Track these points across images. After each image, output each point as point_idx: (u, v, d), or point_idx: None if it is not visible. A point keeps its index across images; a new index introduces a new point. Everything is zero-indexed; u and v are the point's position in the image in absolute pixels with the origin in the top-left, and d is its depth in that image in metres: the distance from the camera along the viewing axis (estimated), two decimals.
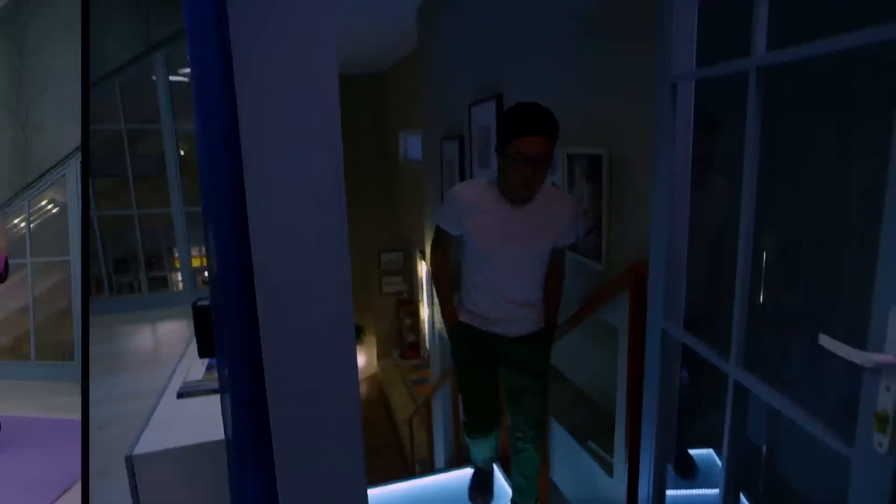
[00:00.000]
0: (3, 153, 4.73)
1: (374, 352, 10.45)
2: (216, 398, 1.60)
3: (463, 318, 2.25)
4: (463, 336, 2.27)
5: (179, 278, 7.10)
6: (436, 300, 5.53)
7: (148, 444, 1.63)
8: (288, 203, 1.03)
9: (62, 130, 4.66)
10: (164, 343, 4.59)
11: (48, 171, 4.70)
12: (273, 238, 1.04)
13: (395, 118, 8.93)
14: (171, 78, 5.12)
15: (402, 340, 10.20)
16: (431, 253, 2.33)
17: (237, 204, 1.03)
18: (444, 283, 2.30)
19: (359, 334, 9.76)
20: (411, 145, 7.88)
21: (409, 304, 9.97)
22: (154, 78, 5.07)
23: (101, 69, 4.77)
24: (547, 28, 2.87)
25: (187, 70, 5.26)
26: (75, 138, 4.58)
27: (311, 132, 1.03)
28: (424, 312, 8.67)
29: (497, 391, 2.37)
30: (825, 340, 1.07)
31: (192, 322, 2.06)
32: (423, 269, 8.12)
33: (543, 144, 1.87)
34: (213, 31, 1.02)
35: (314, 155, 1.04)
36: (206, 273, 7.04)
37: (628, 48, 2.20)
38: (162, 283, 8.44)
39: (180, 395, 1.94)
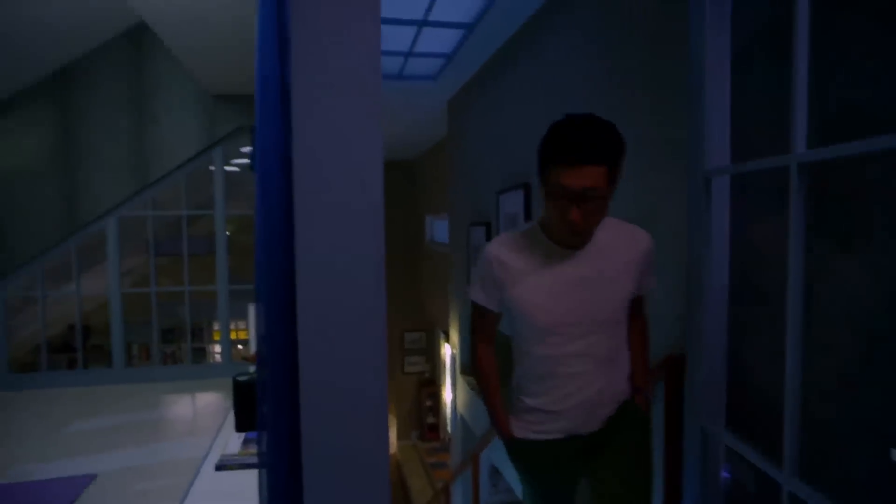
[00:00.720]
0: (52, 205, 5.04)
1: (394, 431, 10.08)
2: (252, 473, 1.62)
3: (520, 430, 1.56)
4: (525, 456, 1.59)
5: (216, 350, 7.14)
6: (461, 384, 5.35)
7: None
8: (334, 290, 1.10)
9: (105, 188, 5.05)
10: (202, 414, 4.67)
11: (91, 222, 5.00)
12: (318, 321, 1.09)
13: (422, 202, 9.07)
14: (226, 168, 5.48)
15: (422, 422, 9.85)
16: (472, 342, 1.66)
17: (287, 288, 1.10)
18: (492, 382, 1.62)
19: None
20: (437, 228, 7.94)
21: (431, 384, 9.70)
22: (212, 168, 5.41)
23: (172, 162, 5.20)
24: None
25: (238, 161, 5.58)
26: (117, 195, 4.99)
27: (358, 225, 1.11)
28: (446, 395, 8.40)
29: None
30: None
31: (229, 395, 2.07)
32: (446, 350, 7.95)
33: (592, 176, 1.29)
34: (278, 131, 1.14)
35: (360, 247, 1.11)
36: (240, 346, 7.08)
37: (661, 140, 2.17)
38: (200, 353, 8.50)
39: (219, 468, 1.93)
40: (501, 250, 1.49)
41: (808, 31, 1.23)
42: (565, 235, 1.40)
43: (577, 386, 1.46)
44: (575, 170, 1.29)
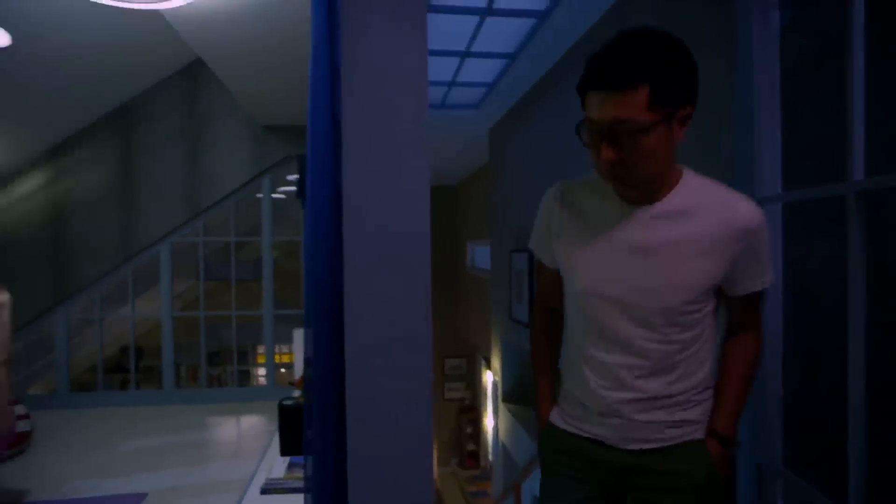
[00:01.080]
0: (111, 232, 5.31)
1: (434, 458, 9.99)
2: (297, 498, 1.59)
3: (554, 414, 1.26)
4: (549, 444, 1.26)
5: (260, 373, 7.19)
6: (502, 412, 5.27)
7: None
8: (381, 315, 1.12)
9: (160, 216, 5.30)
10: (246, 436, 4.76)
11: (146, 247, 5.21)
12: (366, 346, 1.12)
13: (463, 228, 9.10)
14: (273, 195, 5.64)
15: (462, 449, 9.73)
16: (534, 307, 1.36)
17: (336, 314, 1.12)
18: (539, 358, 1.31)
19: None
20: (478, 254, 7.95)
21: (471, 411, 9.60)
22: (259, 195, 5.58)
23: (223, 191, 5.40)
24: None
25: (285, 188, 5.74)
26: (170, 222, 5.27)
27: (406, 252, 1.13)
28: (488, 422, 8.30)
29: None
30: None
31: (273, 418, 2.07)
32: (487, 377, 7.87)
33: (624, 104, 0.97)
34: (328, 160, 1.17)
35: (407, 274, 1.13)
36: (283, 370, 7.19)
37: (709, 162, 2.13)
38: (244, 376, 8.68)
39: (264, 492, 1.93)
40: (559, 194, 1.21)
41: (863, 52, 1.20)
42: (614, 186, 1.10)
43: (612, 382, 1.11)
44: (601, 96, 0.99)
